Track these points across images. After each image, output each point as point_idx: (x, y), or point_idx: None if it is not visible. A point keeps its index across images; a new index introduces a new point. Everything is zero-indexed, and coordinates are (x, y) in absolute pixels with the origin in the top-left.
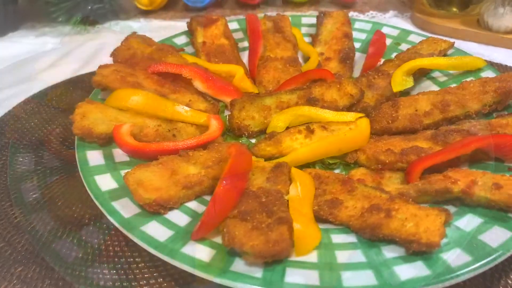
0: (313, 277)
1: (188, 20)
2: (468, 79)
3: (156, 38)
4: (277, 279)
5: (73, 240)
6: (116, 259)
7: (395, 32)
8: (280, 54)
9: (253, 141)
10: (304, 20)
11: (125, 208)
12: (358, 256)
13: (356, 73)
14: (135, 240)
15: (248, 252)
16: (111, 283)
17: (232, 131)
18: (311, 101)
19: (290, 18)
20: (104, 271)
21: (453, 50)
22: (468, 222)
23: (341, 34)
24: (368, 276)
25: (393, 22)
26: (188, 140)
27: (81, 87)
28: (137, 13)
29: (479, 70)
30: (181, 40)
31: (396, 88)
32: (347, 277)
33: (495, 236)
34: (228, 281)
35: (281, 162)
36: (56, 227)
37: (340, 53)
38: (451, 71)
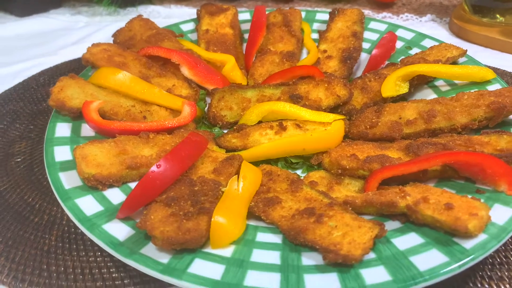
0: (217, 271)
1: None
2: (466, 92)
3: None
4: (181, 268)
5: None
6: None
7: (409, 36)
8: (281, 48)
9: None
10: (319, 16)
11: (69, 180)
12: (274, 257)
13: (359, 74)
14: (65, 210)
15: (157, 237)
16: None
17: (208, 120)
18: (294, 98)
19: (304, 13)
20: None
21: (465, 59)
22: (406, 240)
23: (350, 32)
24: (272, 279)
25: (429, 26)
26: (152, 122)
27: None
28: (171, 0)
29: (487, 82)
30: (188, 27)
31: (385, 93)
32: (251, 276)
33: (428, 259)
34: (133, 263)
35: (234, 155)
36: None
37: (344, 52)
38: (456, 81)
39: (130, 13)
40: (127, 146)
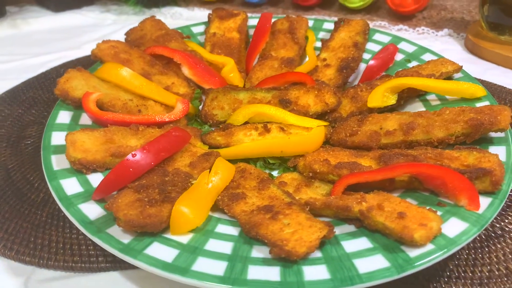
0: (170, 255)
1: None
2: (450, 107)
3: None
4: (138, 249)
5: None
6: None
7: (411, 49)
8: (282, 54)
9: None
10: (326, 25)
11: (59, 162)
12: (226, 247)
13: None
14: (50, 188)
15: (120, 218)
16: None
17: (200, 118)
18: (283, 102)
19: (312, 21)
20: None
21: (461, 75)
22: (355, 244)
23: (351, 43)
24: (219, 266)
25: (443, 41)
26: (144, 116)
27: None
28: (196, 3)
29: (477, 99)
30: (199, 29)
31: (371, 103)
32: (200, 262)
33: (370, 263)
34: (98, 240)
35: (212, 151)
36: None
37: (342, 61)
38: (448, 97)
39: (155, 13)
40: (115, 136)
